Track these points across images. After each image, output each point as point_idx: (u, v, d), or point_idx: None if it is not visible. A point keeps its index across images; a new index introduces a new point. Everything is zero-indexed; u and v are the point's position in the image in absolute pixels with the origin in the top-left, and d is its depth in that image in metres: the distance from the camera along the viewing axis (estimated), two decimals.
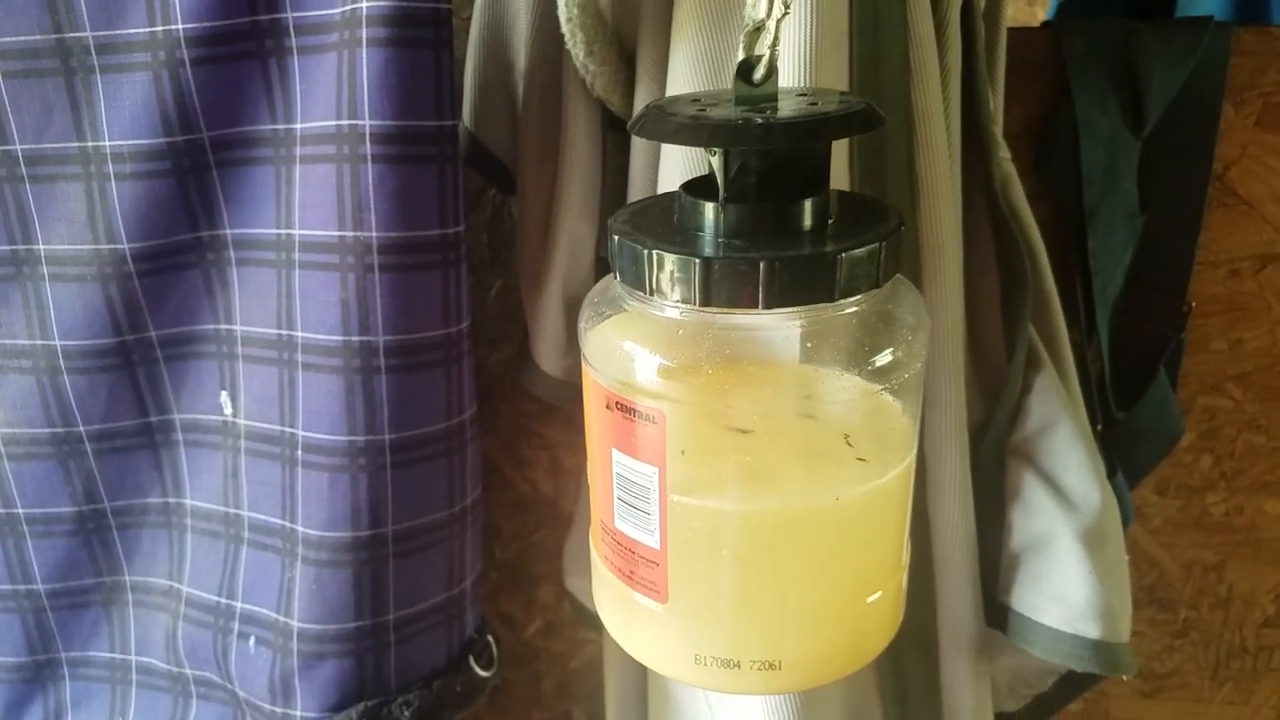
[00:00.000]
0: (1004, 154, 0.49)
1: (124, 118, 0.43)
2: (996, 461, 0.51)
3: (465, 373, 0.47)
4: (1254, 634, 0.71)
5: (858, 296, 0.28)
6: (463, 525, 0.49)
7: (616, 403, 0.29)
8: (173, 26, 0.41)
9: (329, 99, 0.41)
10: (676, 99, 0.30)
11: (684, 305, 0.27)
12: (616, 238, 0.29)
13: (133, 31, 0.42)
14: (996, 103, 0.49)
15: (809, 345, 0.29)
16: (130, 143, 0.43)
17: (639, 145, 0.47)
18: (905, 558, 0.34)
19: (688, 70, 0.41)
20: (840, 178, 0.42)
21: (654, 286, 0.28)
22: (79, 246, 0.45)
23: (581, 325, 0.32)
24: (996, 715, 0.57)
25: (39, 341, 0.47)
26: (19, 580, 0.51)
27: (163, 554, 0.52)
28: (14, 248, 0.46)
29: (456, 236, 0.44)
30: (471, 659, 0.51)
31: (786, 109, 0.28)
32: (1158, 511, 0.68)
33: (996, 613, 0.51)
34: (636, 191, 0.48)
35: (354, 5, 0.40)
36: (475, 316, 0.47)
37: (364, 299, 0.43)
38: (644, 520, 0.30)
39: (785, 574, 0.30)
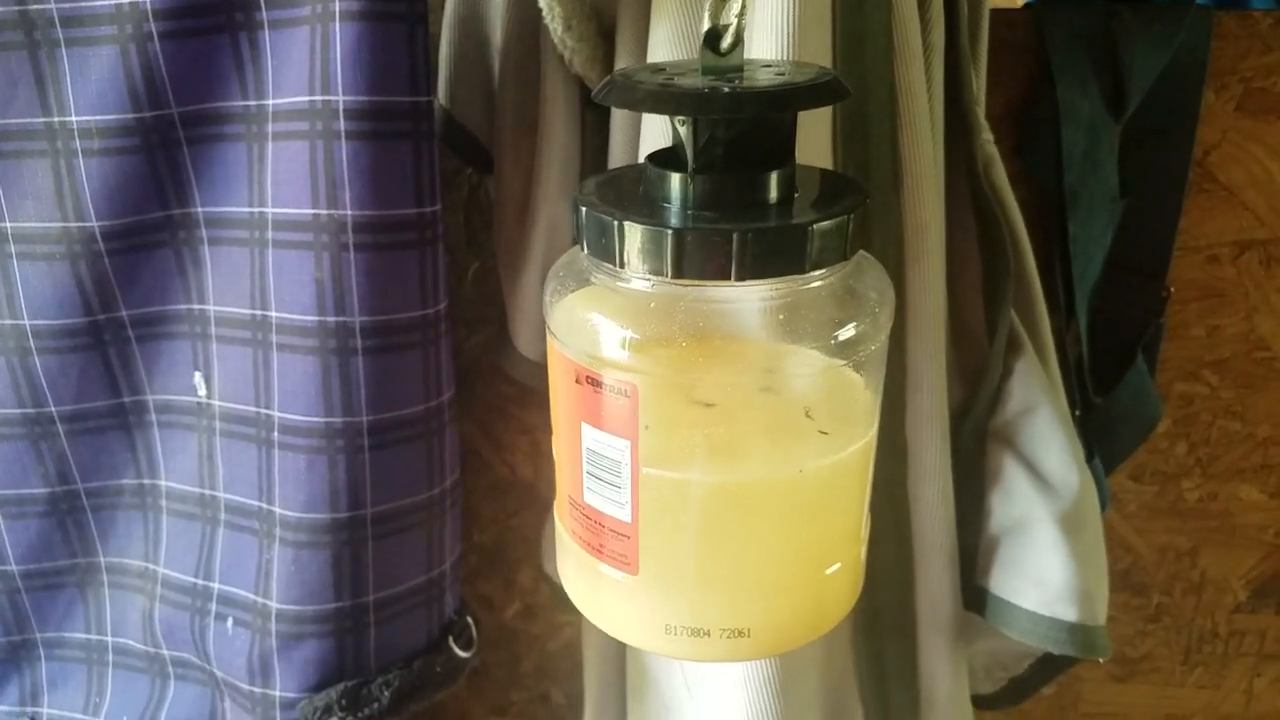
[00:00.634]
0: (986, 136, 0.48)
1: (91, 92, 0.42)
2: (976, 445, 0.51)
3: (443, 354, 0.46)
4: (1225, 619, 0.72)
5: (825, 270, 0.28)
6: (442, 508, 0.49)
7: (586, 377, 0.29)
8: None
9: (301, 74, 0.40)
10: (641, 68, 0.30)
11: (655, 277, 0.27)
12: (584, 209, 0.28)
13: (99, 4, 0.41)
14: (979, 84, 0.49)
15: (776, 318, 0.29)
16: (98, 118, 0.42)
17: (618, 123, 0.47)
18: (864, 531, 0.34)
19: (667, 46, 0.41)
20: (822, 157, 0.42)
21: (623, 259, 0.27)
22: (47, 224, 0.45)
23: (546, 299, 0.32)
24: (972, 698, 0.57)
25: (7, 321, 0.46)
26: None
27: (138, 535, 0.51)
28: None
29: (433, 215, 0.43)
30: (451, 640, 0.51)
31: (757, 80, 0.28)
32: (1133, 497, 0.68)
33: (974, 596, 0.52)
34: None
35: None
36: (452, 298, 0.46)
37: (339, 278, 0.42)
38: (615, 494, 0.30)
39: (754, 544, 0.30)
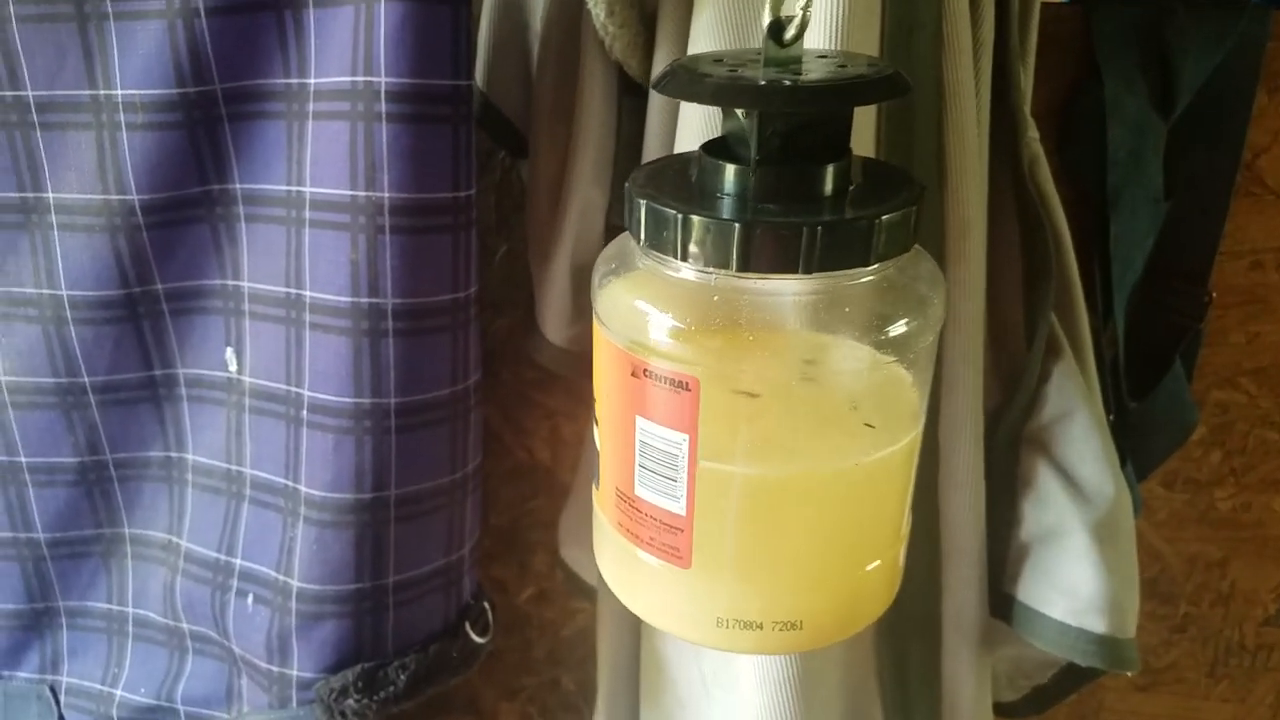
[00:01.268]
0: (1033, 134, 0.47)
1: (137, 66, 0.42)
2: (1010, 449, 0.50)
3: (471, 338, 0.46)
4: (1254, 632, 0.71)
5: (888, 262, 0.27)
6: (464, 492, 0.49)
7: (644, 370, 0.29)
8: None
9: (344, 54, 0.40)
10: (698, 58, 0.30)
11: (719, 270, 0.27)
12: (643, 201, 0.28)
13: None
14: (1027, 80, 0.48)
15: (833, 311, 0.28)
16: (142, 92, 0.42)
17: (655, 110, 0.46)
18: (905, 530, 0.34)
19: (710, 34, 0.40)
20: (866, 151, 0.41)
21: (684, 251, 0.27)
22: (89, 196, 0.45)
23: (595, 286, 0.31)
24: (994, 705, 0.57)
25: (46, 291, 0.47)
26: (20, 528, 0.51)
27: (163, 508, 0.52)
28: (24, 195, 0.46)
29: (468, 200, 0.43)
30: (468, 625, 0.51)
31: (815, 71, 0.27)
32: (1164, 505, 0.67)
33: (1001, 603, 0.51)
34: (652, 157, 0.47)
35: None
36: (480, 282, 0.46)
37: (374, 260, 0.42)
38: (670, 487, 0.30)
39: (806, 537, 0.30)
